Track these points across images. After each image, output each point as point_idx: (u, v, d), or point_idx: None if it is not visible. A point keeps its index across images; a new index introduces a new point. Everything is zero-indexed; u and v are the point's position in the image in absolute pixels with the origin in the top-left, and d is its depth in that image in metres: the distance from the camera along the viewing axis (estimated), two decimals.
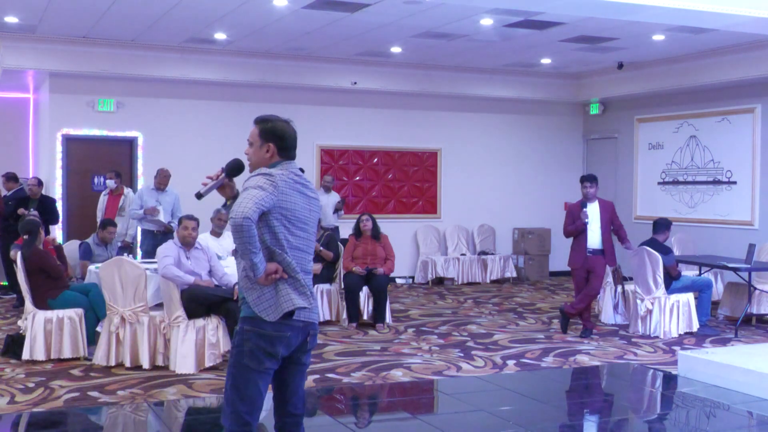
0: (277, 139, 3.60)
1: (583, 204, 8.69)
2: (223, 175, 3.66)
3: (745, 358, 6.77)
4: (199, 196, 3.68)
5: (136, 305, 6.93)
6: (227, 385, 3.50)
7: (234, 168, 3.66)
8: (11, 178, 10.75)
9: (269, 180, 3.44)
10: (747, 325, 9.31)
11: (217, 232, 9.00)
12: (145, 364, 6.85)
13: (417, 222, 13.50)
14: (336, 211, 11.92)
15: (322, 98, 12.75)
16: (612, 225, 8.65)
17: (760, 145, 11.39)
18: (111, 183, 10.56)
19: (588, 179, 8.67)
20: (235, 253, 3.56)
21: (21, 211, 9.96)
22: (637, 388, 7.09)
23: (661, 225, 9.08)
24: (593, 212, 8.57)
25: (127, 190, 10.66)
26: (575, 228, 8.62)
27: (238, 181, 3.65)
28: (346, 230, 11.44)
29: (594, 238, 8.54)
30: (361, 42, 10.99)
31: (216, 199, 11.79)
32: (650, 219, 10.37)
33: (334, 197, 12.06)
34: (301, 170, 3.75)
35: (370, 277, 9.19)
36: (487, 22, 9.65)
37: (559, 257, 13.97)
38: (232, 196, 3.67)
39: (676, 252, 10.39)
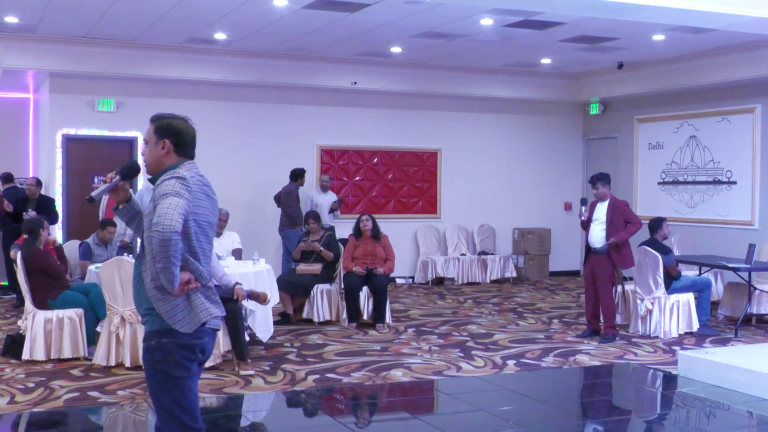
0: (173, 136, 3.46)
1: (583, 201, 8.73)
2: (118, 177, 3.50)
3: (745, 358, 6.77)
4: (91, 200, 3.51)
5: None
6: (164, 401, 3.37)
7: (129, 169, 3.52)
8: (5, 177, 10.78)
9: (184, 184, 3.32)
10: (747, 325, 9.31)
11: (217, 232, 8.99)
12: None
13: (417, 222, 13.50)
14: (332, 210, 11.91)
15: (322, 98, 12.75)
16: (625, 222, 8.46)
17: (760, 145, 11.39)
18: None
19: (590, 180, 8.65)
20: (140, 259, 3.46)
21: (6, 205, 10.00)
22: (637, 388, 7.09)
23: (656, 225, 9.05)
24: (600, 211, 8.52)
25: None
26: (582, 222, 8.67)
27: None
28: (341, 230, 11.45)
29: (595, 237, 8.52)
30: (361, 42, 10.99)
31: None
32: (650, 219, 10.33)
33: (331, 197, 12.05)
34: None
35: (370, 277, 9.19)
36: (487, 22, 9.65)
37: (559, 257, 14.00)
38: (125, 200, 3.55)
39: (676, 252, 10.38)
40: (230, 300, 6.91)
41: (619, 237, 8.39)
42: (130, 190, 3.58)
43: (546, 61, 12.41)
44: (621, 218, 8.45)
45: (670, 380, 6.99)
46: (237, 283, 7.03)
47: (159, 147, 3.45)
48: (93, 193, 3.50)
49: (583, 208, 8.58)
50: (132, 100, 11.73)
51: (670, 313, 8.73)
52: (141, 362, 6.76)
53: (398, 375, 6.91)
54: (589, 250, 8.60)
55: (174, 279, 3.26)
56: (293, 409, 6.35)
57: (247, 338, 7.23)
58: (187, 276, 3.33)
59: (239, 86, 12.17)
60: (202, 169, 3.62)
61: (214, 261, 7.36)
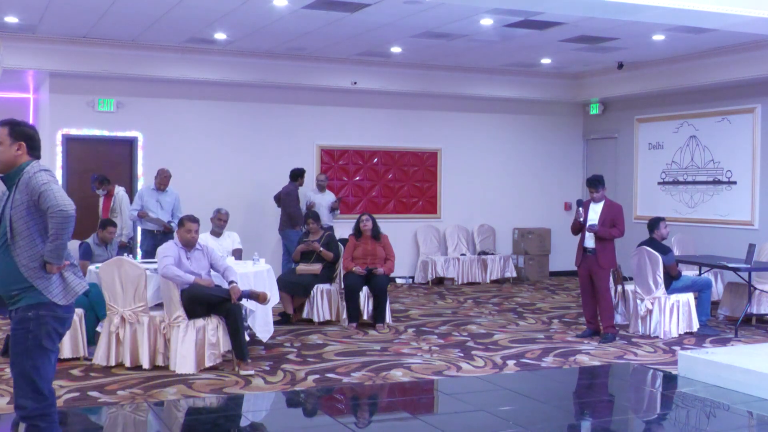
0: (27, 139, 3.97)
1: (579, 202, 8.75)
2: None
3: (745, 358, 6.77)
4: None
5: (136, 305, 6.93)
6: (25, 368, 3.83)
7: None
8: None
9: (53, 176, 3.90)
10: (747, 325, 9.31)
11: (217, 232, 9.00)
12: (145, 364, 6.85)
13: (417, 222, 13.50)
14: (332, 210, 11.90)
15: (322, 98, 12.76)
16: (614, 226, 8.55)
17: (760, 145, 11.39)
18: (100, 192, 10.56)
19: (591, 184, 8.64)
20: (5, 245, 3.88)
21: None
22: (637, 388, 7.09)
23: (654, 224, 9.05)
24: (595, 212, 8.55)
25: (117, 189, 10.61)
26: (572, 224, 8.69)
27: None
28: (340, 230, 11.45)
29: (589, 237, 8.54)
30: (361, 42, 11.00)
31: (216, 200, 11.71)
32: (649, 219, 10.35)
33: (329, 196, 12.05)
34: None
35: (370, 277, 9.19)
36: (487, 22, 9.65)
37: (559, 257, 14.00)
38: None
39: (676, 252, 10.38)
40: (230, 300, 6.92)
41: (601, 230, 8.42)
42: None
43: (546, 61, 12.41)
44: (611, 220, 8.48)
45: (670, 380, 6.99)
46: (232, 282, 7.02)
47: (14, 148, 3.94)
48: None
49: (580, 209, 8.60)
50: (132, 100, 11.74)
51: (670, 313, 8.74)
52: (140, 362, 6.85)
53: (398, 375, 6.91)
54: (584, 251, 8.61)
55: (64, 254, 3.84)
56: (293, 409, 6.35)
57: (247, 338, 7.23)
58: None
59: (239, 86, 12.17)
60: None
61: (216, 256, 7.37)
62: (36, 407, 3.86)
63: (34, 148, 3.99)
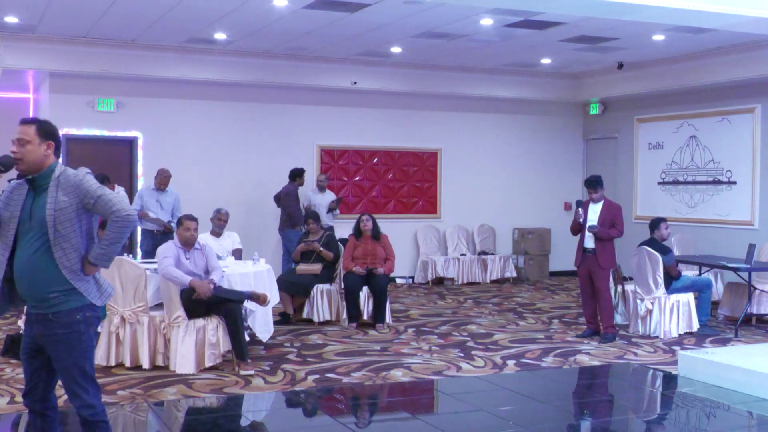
0: (54, 138, 3.80)
1: (578, 203, 8.74)
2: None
3: (745, 358, 6.77)
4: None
5: (136, 305, 6.93)
6: (86, 368, 3.84)
7: (8, 164, 3.73)
8: None
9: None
10: (747, 325, 9.31)
11: (216, 232, 9.00)
12: (145, 364, 6.85)
13: (417, 222, 13.50)
14: (331, 210, 11.89)
15: (322, 98, 12.75)
16: (613, 226, 8.56)
17: (760, 145, 11.39)
18: None
19: (590, 185, 8.63)
20: (40, 249, 3.70)
21: None
22: (637, 388, 7.09)
23: (654, 225, 9.06)
24: (594, 212, 8.55)
25: (118, 189, 10.59)
26: (572, 225, 8.69)
27: None
28: (340, 230, 11.45)
29: (589, 238, 8.54)
30: (361, 42, 11.00)
31: (216, 200, 11.69)
32: (650, 219, 10.34)
33: (329, 196, 12.04)
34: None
35: (370, 277, 9.19)
36: (487, 22, 9.65)
37: (559, 257, 13.99)
38: None
39: (676, 252, 10.38)
40: (230, 300, 6.92)
41: (601, 231, 8.43)
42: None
43: (546, 61, 12.41)
44: (610, 220, 8.49)
45: (670, 380, 7.00)
46: (210, 279, 6.99)
47: (43, 148, 3.73)
48: None
49: (580, 209, 8.60)
50: (132, 100, 11.74)
51: (670, 313, 8.73)
52: (140, 362, 6.84)
53: (398, 375, 6.91)
54: (584, 251, 8.61)
55: (113, 258, 3.82)
56: (293, 409, 6.35)
57: (247, 338, 7.23)
58: None
59: (239, 86, 12.17)
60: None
61: (212, 256, 7.35)
62: (101, 403, 3.86)
63: (59, 148, 3.84)
